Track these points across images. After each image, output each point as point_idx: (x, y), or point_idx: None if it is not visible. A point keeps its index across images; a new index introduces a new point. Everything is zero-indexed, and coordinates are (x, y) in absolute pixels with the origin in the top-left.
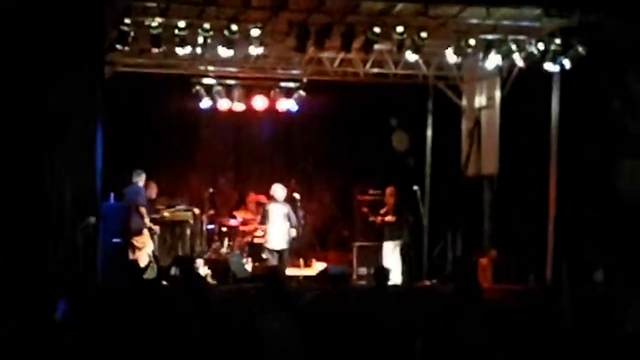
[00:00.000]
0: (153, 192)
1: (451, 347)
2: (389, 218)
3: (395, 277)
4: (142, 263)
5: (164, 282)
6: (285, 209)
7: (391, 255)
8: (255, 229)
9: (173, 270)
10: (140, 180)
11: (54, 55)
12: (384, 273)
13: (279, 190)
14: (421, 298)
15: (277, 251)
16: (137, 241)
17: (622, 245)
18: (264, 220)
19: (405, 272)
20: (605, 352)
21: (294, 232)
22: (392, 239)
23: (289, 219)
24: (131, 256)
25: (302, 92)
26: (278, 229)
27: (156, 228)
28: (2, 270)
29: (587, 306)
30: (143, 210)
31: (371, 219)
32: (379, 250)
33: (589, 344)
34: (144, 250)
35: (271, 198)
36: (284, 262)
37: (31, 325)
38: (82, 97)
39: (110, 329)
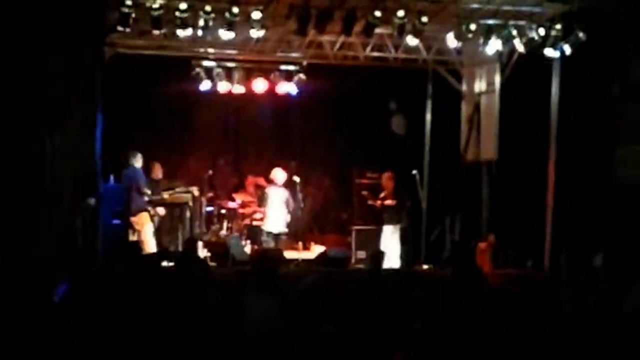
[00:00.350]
0: (158, 173)
1: (450, 330)
2: (388, 202)
3: (394, 261)
4: (145, 244)
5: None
6: (285, 193)
7: (390, 239)
8: (254, 212)
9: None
10: (137, 161)
11: (55, 36)
12: (379, 257)
13: (279, 174)
14: (419, 282)
15: (275, 234)
16: (135, 222)
17: (621, 232)
18: (262, 202)
19: (403, 256)
20: (604, 337)
21: (289, 218)
22: (391, 222)
23: (287, 204)
24: (131, 237)
25: (302, 76)
26: (277, 212)
27: (159, 210)
28: (4, 254)
29: (585, 292)
30: (145, 190)
31: (370, 202)
32: (377, 234)
33: (588, 329)
34: (143, 230)
35: (271, 181)
36: (280, 246)
37: (30, 307)
38: (82, 79)
39: (110, 310)
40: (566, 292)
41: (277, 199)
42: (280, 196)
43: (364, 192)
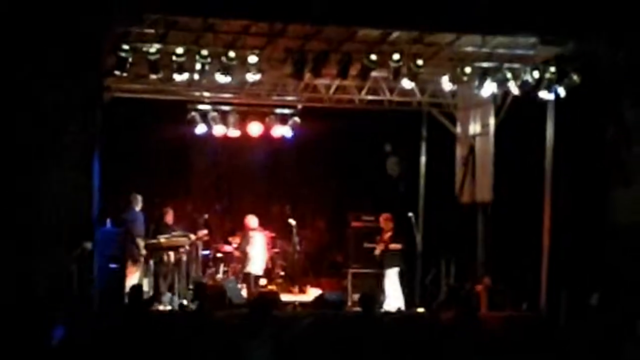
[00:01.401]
0: (171, 218)
1: None
2: (394, 246)
3: (398, 304)
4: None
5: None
6: (265, 237)
7: (394, 282)
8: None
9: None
10: (137, 204)
11: (53, 79)
12: (371, 300)
13: (253, 220)
14: (415, 325)
15: (256, 276)
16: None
17: (616, 272)
18: (245, 246)
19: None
20: None
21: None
22: (394, 265)
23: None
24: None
25: (296, 119)
26: (259, 255)
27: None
28: None
29: (584, 332)
30: (139, 240)
31: (366, 245)
32: (374, 277)
33: None
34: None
35: (250, 227)
36: (258, 287)
37: (25, 350)
38: (79, 123)
39: (105, 354)
40: (566, 332)
41: (260, 242)
42: (263, 239)
43: (367, 245)
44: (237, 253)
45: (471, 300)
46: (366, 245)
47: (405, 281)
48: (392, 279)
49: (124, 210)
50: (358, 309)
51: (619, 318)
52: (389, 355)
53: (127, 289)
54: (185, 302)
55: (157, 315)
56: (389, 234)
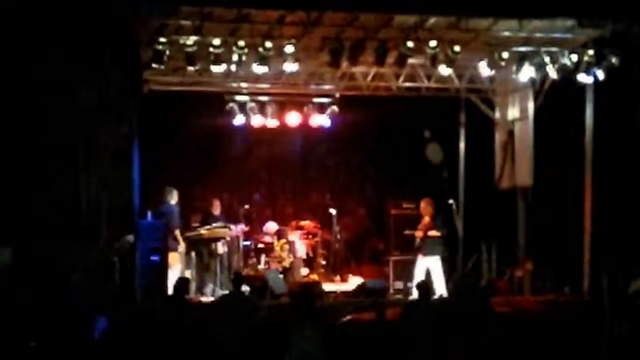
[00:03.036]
0: (217, 209)
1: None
2: (432, 233)
3: (442, 291)
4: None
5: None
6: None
7: (436, 270)
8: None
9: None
10: (173, 198)
11: (90, 74)
12: (427, 287)
13: (273, 225)
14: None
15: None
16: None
17: None
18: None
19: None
20: None
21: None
22: (434, 253)
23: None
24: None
25: (335, 108)
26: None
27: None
28: (38, 289)
29: (625, 316)
30: (177, 233)
31: (407, 232)
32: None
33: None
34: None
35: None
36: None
37: (67, 343)
38: (118, 117)
39: (148, 346)
40: (608, 316)
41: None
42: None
43: (407, 232)
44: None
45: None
46: (407, 232)
47: (447, 267)
48: (432, 266)
49: (159, 204)
50: (399, 296)
51: None
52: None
53: (170, 281)
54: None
55: (200, 307)
56: (428, 219)
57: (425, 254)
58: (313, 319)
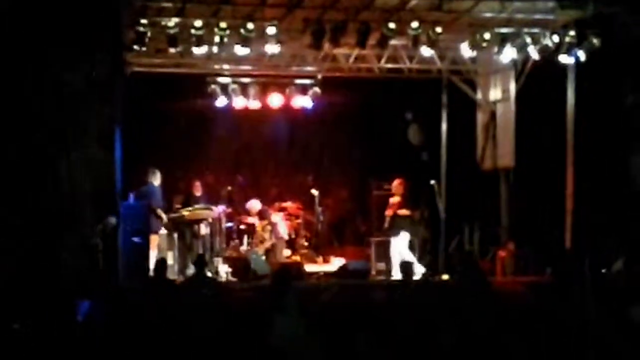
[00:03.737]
0: (198, 190)
1: (472, 339)
2: (403, 211)
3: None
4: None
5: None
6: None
7: (404, 249)
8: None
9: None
10: (156, 179)
11: (72, 55)
12: (410, 268)
13: (256, 203)
14: (438, 293)
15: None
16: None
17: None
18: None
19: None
20: (623, 342)
21: None
22: (402, 230)
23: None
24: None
25: (317, 89)
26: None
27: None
28: (20, 271)
29: (606, 297)
30: (160, 211)
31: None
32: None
33: (608, 334)
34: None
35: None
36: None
37: (50, 325)
38: (100, 98)
39: (131, 328)
40: (588, 296)
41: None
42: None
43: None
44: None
45: (478, 266)
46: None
47: (430, 249)
48: (400, 245)
49: (142, 185)
50: (381, 277)
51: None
52: (417, 323)
53: (152, 262)
54: (209, 274)
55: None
56: (398, 199)
57: (396, 233)
58: (292, 298)
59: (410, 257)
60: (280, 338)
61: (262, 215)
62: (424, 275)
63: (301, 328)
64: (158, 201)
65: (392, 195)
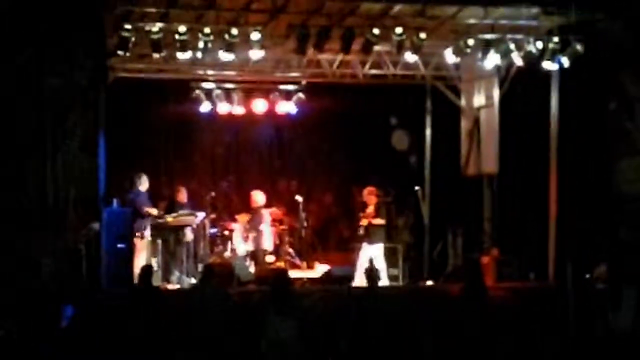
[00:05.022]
0: (183, 197)
1: (459, 345)
2: (377, 221)
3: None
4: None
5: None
6: (270, 214)
7: (376, 258)
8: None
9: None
10: (142, 184)
11: (55, 61)
12: (375, 274)
13: (261, 196)
14: (424, 298)
15: (265, 253)
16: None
17: (623, 242)
18: (259, 224)
19: (395, 275)
20: (605, 348)
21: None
22: (378, 241)
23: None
24: (135, 261)
25: (301, 95)
26: (268, 232)
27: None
28: (5, 277)
29: (588, 303)
30: (149, 210)
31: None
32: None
33: (590, 340)
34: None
35: (257, 204)
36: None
37: (34, 330)
38: (84, 103)
39: (114, 334)
40: (571, 302)
41: (267, 220)
42: (269, 217)
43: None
44: (248, 232)
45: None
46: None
47: (414, 254)
48: (376, 254)
49: (128, 190)
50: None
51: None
52: (396, 329)
53: (136, 268)
54: (193, 280)
55: (166, 294)
56: (372, 208)
57: (370, 242)
58: (286, 305)
59: (382, 266)
60: (271, 344)
61: (256, 212)
62: (409, 280)
63: (292, 333)
64: (145, 206)
65: (381, 201)
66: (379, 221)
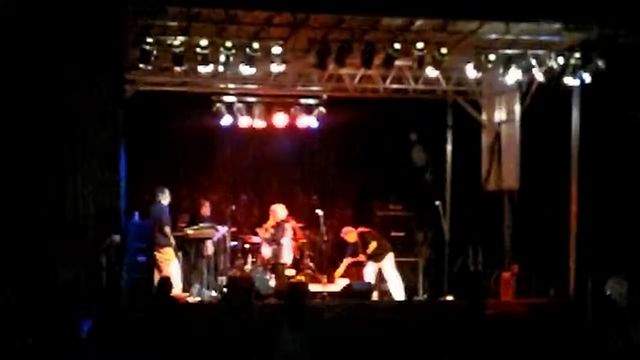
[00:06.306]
0: (207, 210)
1: None
2: (370, 249)
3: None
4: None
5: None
6: (292, 228)
7: (388, 271)
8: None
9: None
10: (165, 198)
11: (75, 73)
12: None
13: (283, 209)
14: (442, 314)
15: (284, 266)
16: (159, 259)
17: None
18: (281, 237)
19: (426, 288)
20: None
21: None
22: (381, 259)
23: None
24: (156, 274)
25: (322, 109)
26: (289, 245)
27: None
28: (24, 289)
29: (609, 319)
30: (167, 230)
31: (393, 234)
32: (401, 265)
33: (609, 355)
34: (168, 267)
35: (279, 217)
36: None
37: (53, 342)
38: (104, 116)
39: (132, 346)
40: (590, 318)
41: (289, 233)
42: (290, 230)
43: (394, 234)
44: (269, 244)
45: (479, 287)
46: (393, 234)
47: (434, 269)
48: (386, 267)
49: (150, 204)
50: (386, 298)
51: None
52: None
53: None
54: (214, 293)
55: (186, 307)
56: (358, 243)
57: (377, 261)
58: (299, 319)
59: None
60: (288, 355)
61: (277, 225)
62: (428, 296)
63: (303, 347)
64: (167, 220)
65: (400, 216)
66: (371, 247)
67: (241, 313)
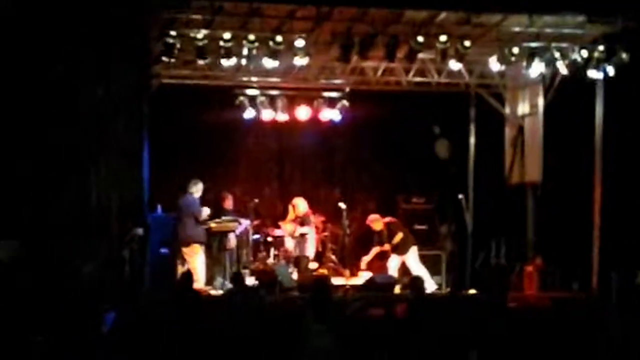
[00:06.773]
0: (230, 203)
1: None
2: (395, 240)
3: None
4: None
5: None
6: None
7: (412, 264)
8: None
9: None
10: (197, 191)
11: (100, 68)
12: (419, 282)
13: (304, 203)
14: (465, 307)
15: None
16: (186, 253)
17: None
18: (307, 229)
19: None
20: None
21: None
22: (405, 251)
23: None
24: (180, 267)
25: (345, 102)
26: (313, 238)
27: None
28: (47, 283)
29: (632, 312)
30: (204, 214)
31: (416, 227)
32: (424, 258)
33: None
34: (193, 261)
35: (301, 210)
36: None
37: (75, 336)
38: (128, 109)
39: (156, 339)
40: (615, 313)
41: (313, 226)
42: (313, 223)
43: (417, 227)
44: (294, 238)
45: (499, 281)
46: (416, 227)
47: (457, 263)
48: (410, 260)
49: (178, 195)
50: (407, 291)
51: None
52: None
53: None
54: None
55: (208, 300)
56: (384, 232)
57: (400, 254)
58: (326, 313)
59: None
60: (310, 351)
61: (300, 218)
62: (450, 290)
63: (331, 342)
64: (198, 211)
65: (424, 209)
66: (397, 238)
67: (245, 307)
